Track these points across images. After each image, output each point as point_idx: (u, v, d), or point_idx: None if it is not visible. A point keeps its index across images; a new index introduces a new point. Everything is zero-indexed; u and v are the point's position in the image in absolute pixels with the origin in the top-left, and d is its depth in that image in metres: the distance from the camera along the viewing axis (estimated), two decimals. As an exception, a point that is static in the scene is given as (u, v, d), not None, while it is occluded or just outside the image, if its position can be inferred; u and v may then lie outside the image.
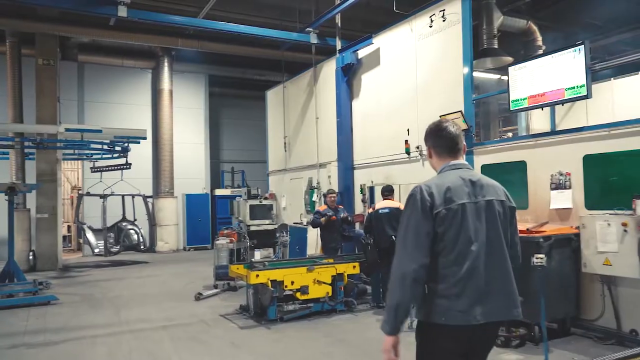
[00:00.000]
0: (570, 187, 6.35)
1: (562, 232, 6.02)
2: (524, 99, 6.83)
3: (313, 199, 12.17)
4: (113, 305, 8.58)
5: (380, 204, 7.95)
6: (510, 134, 13.47)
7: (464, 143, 2.73)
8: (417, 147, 8.89)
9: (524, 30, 11.19)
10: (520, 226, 6.42)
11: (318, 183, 11.98)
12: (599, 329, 5.98)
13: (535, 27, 11.17)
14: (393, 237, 7.56)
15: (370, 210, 7.97)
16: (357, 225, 9.88)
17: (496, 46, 10.42)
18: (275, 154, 14.78)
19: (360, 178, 10.66)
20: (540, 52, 10.24)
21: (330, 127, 11.43)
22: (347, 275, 7.80)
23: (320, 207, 9.41)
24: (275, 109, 14.85)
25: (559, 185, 6.49)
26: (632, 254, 5.42)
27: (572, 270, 6.05)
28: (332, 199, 9.14)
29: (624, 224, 5.46)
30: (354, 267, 7.90)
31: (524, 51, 11.28)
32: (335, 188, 10.86)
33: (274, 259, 10.91)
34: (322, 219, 8.78)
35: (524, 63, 6.90)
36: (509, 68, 7.08)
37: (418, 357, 2.58)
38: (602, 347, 5.75)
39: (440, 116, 7.99)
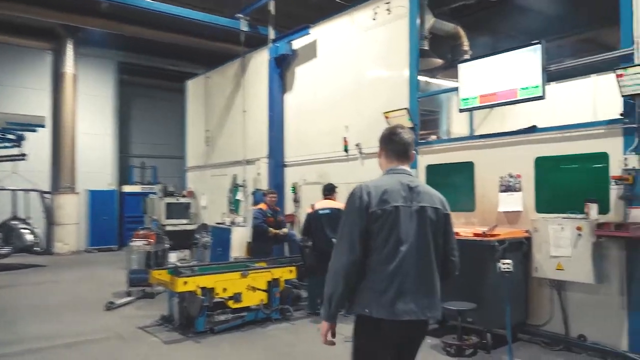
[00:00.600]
0: (520, 190, 6.22)
1: (515, 236, 5.86)
2: (474, 98, 6.64)
3: (237, 198, 11.37)
4: (3, 319, 7.22)
5: (320, 203, 7.41)
6: (434, 137, 13.56)
7: (414, 152, 2.87)
8: (357, 145, 8.48)
9: (452, 34, 11.24)
10: (469, 229, 6.23)
11: (244, 181, 11.20)
12: (547, 334, 5.88)
13: (462, 32, 11.26)
14: (333, 240, 7.06)
15: (310, 210, 7.41)
16: (289, 225, 9.28)
17: (427, 47, 10.33)
18: (195, 149, 13.74)
19: (292, 176, 10.07)
20: (467, 57, 10.31)
21: (260, 121, 10.73)
22: (284, 280, 7.17)
23: (260, 205, 8.68)
24: (197, 101, 13.82)
25: (508, 187, 6.35)
26: (585, 258, 5.34)
27: (522, 275, 5.91)
28: (273, 199, 8.47)
29: (579, 228, 5.37)
30: (291, 271, 7.29)
31: (451, 55, 11.35)
32: (265, 186, 10.18)
33: (195, 263, 9.96)
34: (272, 233, 8.14)
35: (475, 61, 6.71)
36: (459, 65, 6.86)
37: (353, 344, 2.79)
38: (552, 353, 5.65)
39: (384, 113, 7.65)
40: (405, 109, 7.51)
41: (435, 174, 7.28)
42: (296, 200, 9.74)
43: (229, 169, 11.88)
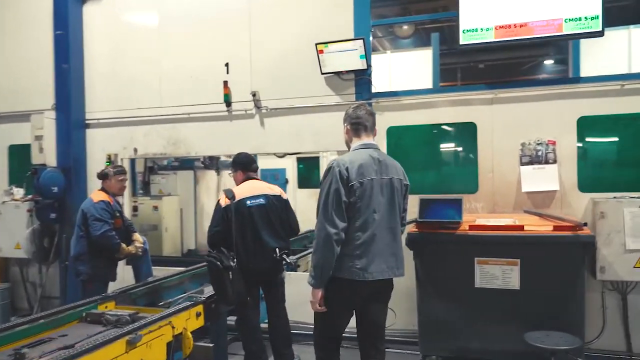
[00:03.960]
0: (555, 162, 4.52)
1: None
2: (487, 30, 4.58)
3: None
4: None
5: (245, 189, 4.15)
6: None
7: (376, 127, 3.16)
8: (254, 95, 5.35)
9: None
10: (540, 221, 4.09)
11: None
12: (600, 354, 4.35)
13: None
14: (277, 250, 4.02)
15: (223, 201, 4.06)
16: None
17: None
18: None
19: (106, 144, 6.04)
20: None
21: (38, 47, 6.18)
22: (190, 333, 3.73)
23: (99, 193, 4.61)
24: None
25: (534, 158, 4.57)
26: (678, 250, 4.00)
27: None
28: (123, 183, 4.61)
29: (671, 211, 3.99)
30: (198, 314, 3.87)
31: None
32: (52, 159, 5.88)
33: None
34: (126, 252, 4.58)
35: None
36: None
37: (326, 303, 2.95)
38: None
39: (317, 45, 4.90)
40: (359, 39, 4.88)
41: (407, 139, 4.97)
42: (147, 182, 5.84)
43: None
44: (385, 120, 4.96)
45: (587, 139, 4.46)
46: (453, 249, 3.99)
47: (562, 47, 11.71)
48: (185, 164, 9.54)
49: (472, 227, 3.95)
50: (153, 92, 5.79)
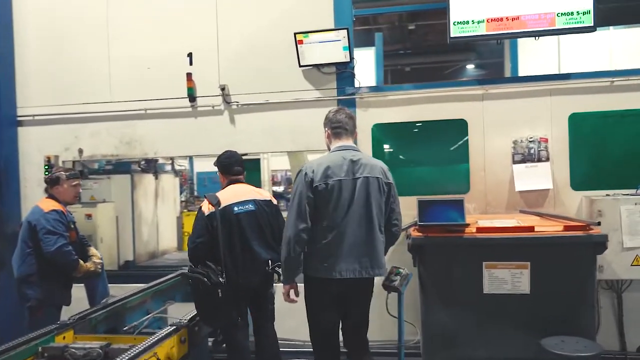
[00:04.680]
0: (547, 159, 4.40)
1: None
2: (478, 22, 4.38)
3: None
4: None
5: (230, 193, 3.62)
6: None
7: (356, 130, 3.33)
8: (222, 89, 4.81)
9: None
10: (550, 222, 3.94)
11: None
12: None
13: None
14: (270, 262, 3.56)
15: (208, 208, 3.52)
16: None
17: None
18: None
19: (45, 144, 5.22)
20: None
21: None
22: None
23: (49, 202, 3.85)
24: None
25: (527, 156, 4.43)
26: (674, 247, 4.00)
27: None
28: (77, 190, 3.92)
29: (666, 207, 3.98)
30: (183, 340, 3.31)
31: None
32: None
33: None
34: (84, 269, 3.93)
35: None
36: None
37: (306, 301, 3.17)
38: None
39: (296, 34, 4.51)
40: (343, 29, 4.52)
41: (393, 137, 4.67)
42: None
43: None
44: (370, 117, 4.63)
45: (579, 136, 4.39)
46: (459, 254, 3.72)
47: (483, 52, 12.15)
48: (121, 167, 8.71)
49: (479, 230, 3.70)
50: (102, 85, 5.07)
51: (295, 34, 4.52)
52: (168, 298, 4.63)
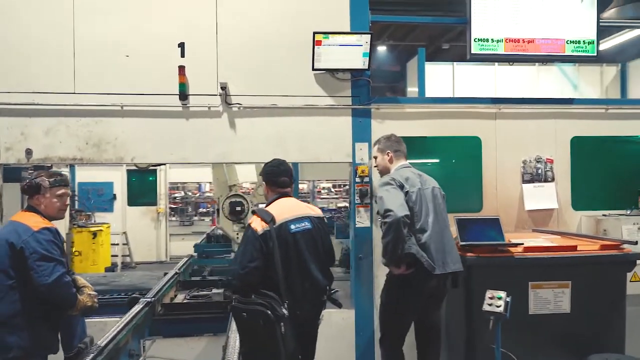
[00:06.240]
0: (552, 180, 4.56)
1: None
2: (498, 42, 4.40)
3: None
4: None
5: (282, 208, 3.08)
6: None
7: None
8: (223, 88, 4.17)
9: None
10: (586, 241, 4.01)
11: None
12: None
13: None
14: (328, 288, 3.13)
15: (260, 225, 2.94)
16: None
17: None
18: None
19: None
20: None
21: None
22: None
23: (34, 220, 2.83)
24: None
25: (535, 176, 4.55)
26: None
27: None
28: (64, 202, 3.01)
29: (660, 227, 4.36)
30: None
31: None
32: None
33: None
34: (83, 303, 3.01)
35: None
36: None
37: (392, 294, 3.54)
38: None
39: (315, 34, 4.17)
40: (366, 33, 4.21)
41: (409, 152, 4.46)
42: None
43: None
44: (385, 129, 4.35)
45: (580, 159, 4.62)
46: (506, 274, 3.64)
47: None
48: (10, 174, 7.23)
49: (527, 249, 3.66)
50: (63, 72, 4.08)
51: (314, 33, 4.10)
52: (141, 335, 3.86)
